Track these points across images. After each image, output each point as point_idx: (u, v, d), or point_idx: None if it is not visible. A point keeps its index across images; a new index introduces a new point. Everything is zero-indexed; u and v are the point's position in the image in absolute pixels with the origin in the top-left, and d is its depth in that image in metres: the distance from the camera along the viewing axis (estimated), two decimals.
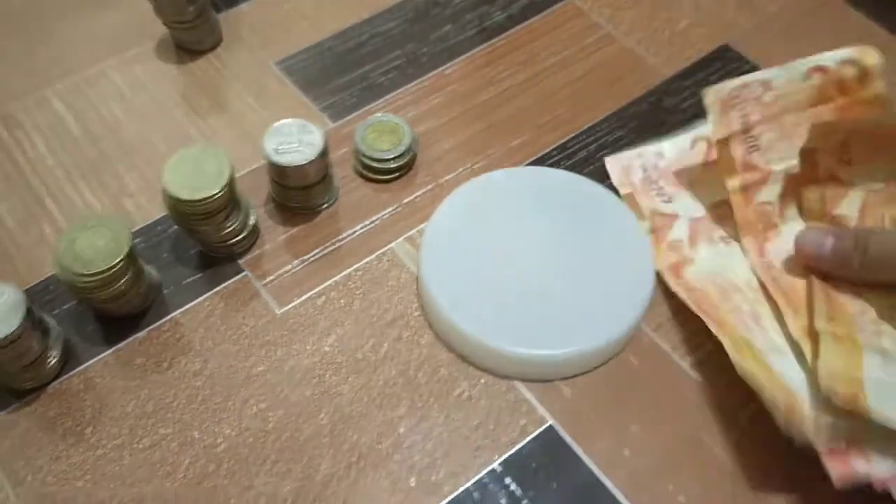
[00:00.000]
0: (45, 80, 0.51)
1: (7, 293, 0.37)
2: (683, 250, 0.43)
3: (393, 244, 0.45)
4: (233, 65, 0.52)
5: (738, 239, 0.43)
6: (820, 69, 0.42)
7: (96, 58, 0.53)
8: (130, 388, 0.40)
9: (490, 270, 0.41)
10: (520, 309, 0.40)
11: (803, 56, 0.43)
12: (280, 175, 0.44)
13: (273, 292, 0.43)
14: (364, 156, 0.46)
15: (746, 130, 0.42)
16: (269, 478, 0.37)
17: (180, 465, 0.37)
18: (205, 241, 0.43)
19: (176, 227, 0.45)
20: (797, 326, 0.39)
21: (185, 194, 0.40)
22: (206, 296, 0.43)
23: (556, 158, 0.48)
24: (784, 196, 0.43)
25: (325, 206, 0.46)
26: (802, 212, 0.43)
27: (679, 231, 0.44)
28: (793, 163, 0.43)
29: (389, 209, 0.46)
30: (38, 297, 0.42)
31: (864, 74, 0.42)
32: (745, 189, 0.43)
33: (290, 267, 0.44)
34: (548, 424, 0.39)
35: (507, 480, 0.37)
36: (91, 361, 0.41)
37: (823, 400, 0.35)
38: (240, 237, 0.43)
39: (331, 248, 0.45)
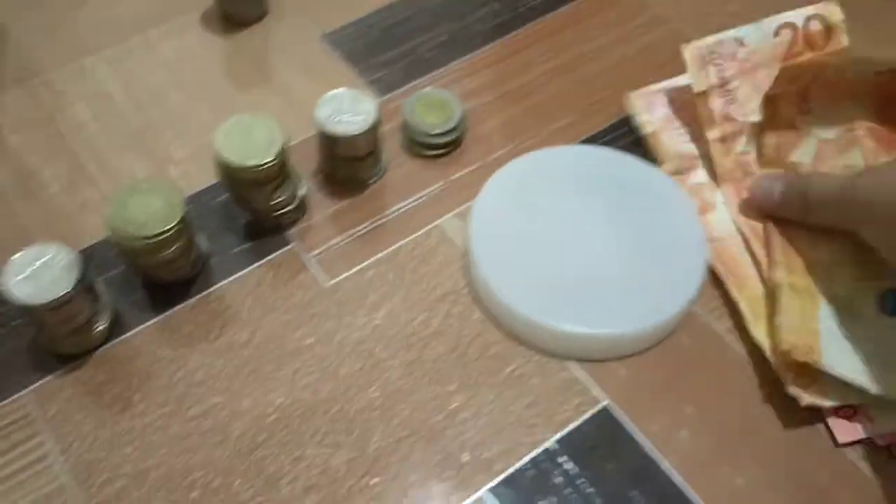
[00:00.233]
0: (90, 47, 0.51)
1: (61, 254, 0.36)
2: (704, 194, 0.44)
3: (441, 220, 0.44)
4: (278, 36, 0.52)
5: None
6: (789, 25, 0.44)
7: (141, 26, 0.52)
8: (178, 356, 0.39)
9: (540, 250, 0.41)
10: (571, 288, 0.40)
11: None
12: (331, 146, 0.43)
13: (321, 265, 0.42)
14: (414, 129, 0.46)
15: (723, 84, 0.44)
16: (321, 449, 0.37)
17: (231, 434, 0.37)
18: (254, 210, 0.42)
19: (223, 196, 0.44)
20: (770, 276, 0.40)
21: (237, 160, 0.39)
22: (253, 266, 0.42)
23: (604, 139, 0.47)
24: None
25: (373, 180, 0.45)
26: (761, 159, 0.44)
27: (700, 175, 0.45)
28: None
29: (436, 186, 0.45)
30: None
31: (828, 29, 0.44)
32: (724, 140, 0.44)
33: (337, 240, 0.43)
34: (603, 404, 0.38)
35: (562, 459, 0.37)
36: (138, 328, 0.40)
37: (781, 353, 0.37)
38: (289, 208, 0.42)
39: (378, 223, 0.44)
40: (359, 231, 0.44)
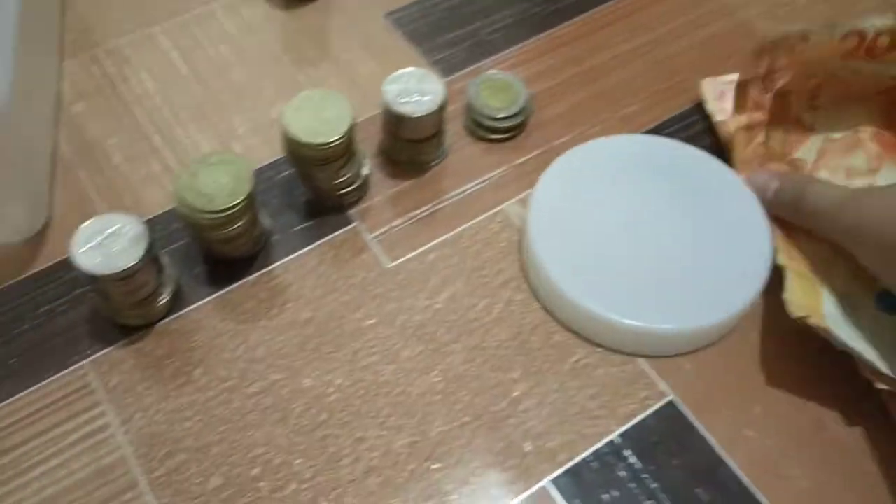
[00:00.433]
0: (154, 17, 0.51)
1: (129, 224, 0.36)
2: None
3: (504, 205, 0.43)
4: (341, 14, 0.51)
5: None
6: (858, 33, 0.41)
7: None
8: (240, 331, 0.39)
9: (601, 241, 0.40)
10: (634, 282, 0.39)
11: None
12: (396, 125, 0.42)
13: (382, 245, 0.42)
14: (478, 112, 0.45)
15: (769, 74, 0.42)
16: (382, 431, 0.36)
17: (292, 412, 0.37)
18: (318, 187, 0.42)
19: (285, 173, 0.44)
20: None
21: (305, 136, 0.39)
22: (315, 244, 0.42)
23: (671, 129, 0.46)
24: None
25: (435, 162, 0.45)
26: (766, 151, 0.44)
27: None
28: None
29: (499, 170, 0.45)
30: None
31: (893, 43, 0.41)
32: (750, 128, 0.43)
33: (399, 221, 0.43)
34: (668, 399, 0.37)
35: (627, 453, 0.36)
36: (200, 303, 0.40)
37: (798, 319, 0.36)
38: (352, 187, 0.42)
39: (440, 206, 0.43)
40: (420, 213, 0.43)
